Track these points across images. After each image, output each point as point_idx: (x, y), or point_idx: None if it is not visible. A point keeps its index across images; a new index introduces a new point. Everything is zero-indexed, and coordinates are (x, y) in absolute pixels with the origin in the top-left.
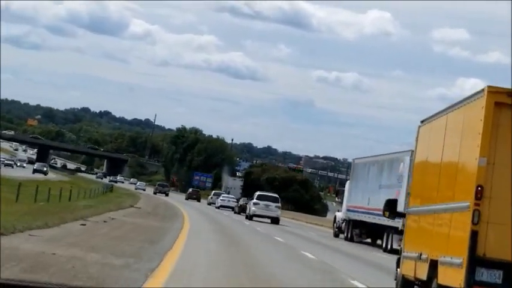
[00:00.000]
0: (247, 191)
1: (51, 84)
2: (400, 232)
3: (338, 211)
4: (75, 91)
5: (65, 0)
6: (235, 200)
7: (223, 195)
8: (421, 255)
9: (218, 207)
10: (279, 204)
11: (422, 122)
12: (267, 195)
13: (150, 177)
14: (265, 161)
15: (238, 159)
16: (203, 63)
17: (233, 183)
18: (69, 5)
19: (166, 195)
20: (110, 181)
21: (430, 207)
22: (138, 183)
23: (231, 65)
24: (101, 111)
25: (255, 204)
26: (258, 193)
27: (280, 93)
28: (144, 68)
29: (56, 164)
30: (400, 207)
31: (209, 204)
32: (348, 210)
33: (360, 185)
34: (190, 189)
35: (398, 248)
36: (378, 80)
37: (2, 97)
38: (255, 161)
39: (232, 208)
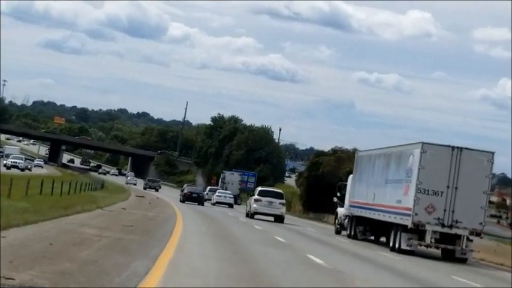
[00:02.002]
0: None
1: (90, 88)
2: (409, 230)
3: (340, 207)
4: (114, 94)
5: (105, 0)
6: (232, 196)
7: (219, 190)
8: None
9: (214, 204)
10: (283, 201)
11: None
12: (270, 191)
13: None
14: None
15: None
16: (242, 66)
17: (231, 177)
18: (109, 9)
19: (157, 190)
20: (100, 173)
21: None
22: (129, 177)
23: (270, 68)
24: (138, 112)
25: (256, 201)
26: (259, 188)
27: (321, 95)
28: (183, 71)
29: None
30: (410, 203)
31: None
32: (351, 206)
33: (365, 179)
34: (185, 186)
35: (408, 248)
36: (419, 81)
37: (38, 99)
38: (302, 160)
39: (230, 204)
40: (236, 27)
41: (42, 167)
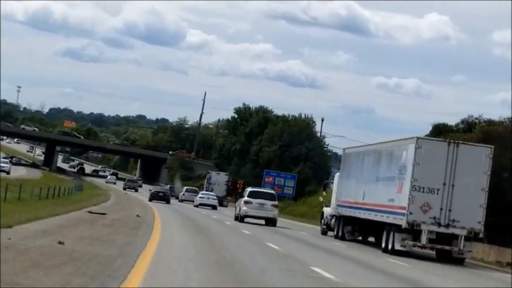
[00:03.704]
0: None
1: (109, 95)
2: (404, 230)
3: (326, 206)
4: (133, 102)
5: (124, 0)
6: (215, 198)
7: (202, 192)
8: None
9: (197, 206)
10: (276, 203)
11: None
12: (262, 192)
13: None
14: None
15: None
16: (260, 72)
17: (217, 178)
18: (126, 17)
19: (136, 190)
20: (79, 170)
21: None
22: (108, 177)
23: (289, 74)
24: (157, 118)
25: (246, 203)
26: (249, 189)
27: (340, 100)
28: (201, 79)
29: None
30: (404, 201)
31: (181, 201)
32: (339, 205)
33: (353, 177)
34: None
35: (402, 249)
36: (438, 85)
37: (55, 106)
38: None
39: (213, 206)
40: (253, 33)
41: (7, 172)
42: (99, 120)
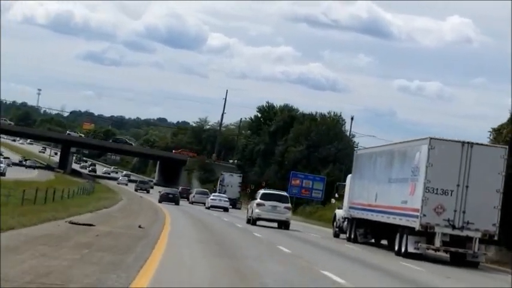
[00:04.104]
0: None
1: (130, 99)
2: (417, 233)
3: (338, 208)
4: (155, 105)
5: None
6: (227, 200)
7: (214, 194)
8: None
9: (208, 208)
10: (289, 205)
11: None
12: (274, 194)
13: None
14: None
15: None
16: (281, 75)
17: (230, 179)
18: (147, 20)
19: (148, 192)
20: (90, 171)
21: None
22: (120, 178)
23: (310, 77)
24: (178, 121)
25: (258, 205)
26: (262, 191)
27: (362, 103)
28: (222, 82)
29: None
30: (417, 203)
31: (191, 203)
32: (351, 207)
33: (365, 179)
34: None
35: (415, 251)
36: (460, 88)
37: (76, 109)
38: None
39: (225, 208)
40: (274, 36)
41: (2, 173)
42: (119, 122)
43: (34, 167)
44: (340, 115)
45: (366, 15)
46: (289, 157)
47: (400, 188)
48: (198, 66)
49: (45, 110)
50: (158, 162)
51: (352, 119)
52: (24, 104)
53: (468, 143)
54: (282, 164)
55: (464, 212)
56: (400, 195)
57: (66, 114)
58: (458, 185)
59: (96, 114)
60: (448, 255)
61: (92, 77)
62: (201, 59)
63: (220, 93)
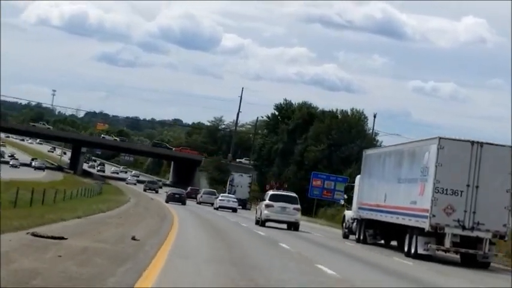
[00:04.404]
0: None
1: (145, 100)
2: (426, 233)
3: (347, 209)
4: (170, 106)
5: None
6: (235, 200)
7: (222, 194)
8: None
9: (217, 208)
10: (298, 206)
11: None
12: (283, 195)
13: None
14: None
15: None
16: (295, 76)
17: (239, 180)
18: (161, 21)
19: (156, 192)
20: (98, 171)
21: None
22: (129, 178)
23: (325, 77)
24: (193, 122)
25: (267, 206)
26: (271, 192)
27: (376, 104)
28: (237, 83)
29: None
30: (426, 204)
31: (199, 203)
32: (360, 208)
33: (374, 179)
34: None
35: (425, 252)
36: (475, 89)
37: (91, 110)
38: None
39: (233, 209)
40: (289, 37)
41: None
42: (134, 123)
43: (43, 168)
44: (363, 112)
45: (380, 16)
46: (309, 157)
47: (409, 189)
48: (212, 67)
49: (59, 111)
50: (172, 163)
51: (375, 116)
52: (38, 105)
53: (478, 142)
54: (301, 164)
55: (474, 213)
56: (410, 195)
57: (80, 115)
58: (468, 185)
59: (111, 115)
60: (458, 256)
61: (107, 78)
62: (216, 60)
63: (235, 94)
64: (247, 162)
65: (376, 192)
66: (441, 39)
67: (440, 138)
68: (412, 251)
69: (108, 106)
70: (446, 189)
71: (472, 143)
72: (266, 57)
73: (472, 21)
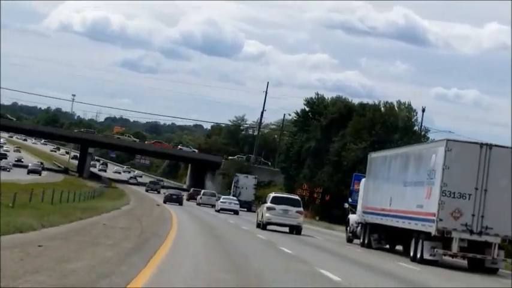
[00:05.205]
0: None
1: (166, 106)
2: (433, 238)
3: (352, 213)
4: (192, 113)
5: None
6: (237, 202)
7: (223, 196)
8: None
9: (218, 211)
10: (301, 209)
11: None
12: (286, 198)
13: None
14: None
15: None
16: (317, 83)
17: (245, 181)
18: (183, 28)
19: (158, 192)
20: (100, 170)
21: None
22: (129, 179)
23: (347, 84)
24: (212, 125)
25: (269, 209)
26: (272, 195)
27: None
28: (259, 89)
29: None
30: (433, 208)
31: (198, 204)
32: (365, 212)
33: (379, 183)
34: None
35: (431, 258)
36: (499, 96)
37: (111, 115)
38: None
39: (235, 211)
40: (311, 43)
41: None
42: (154, 128)
43: (39, 172)
44: (410, 104)
45: (403, 22)
46: (348, 156)
47: (416, 192)
48: (234, 73)
49: (78, 116)
50: (189, 166)
51: (423, 110)
52: (58, 110)
53: (487, 144)
54: (338, 165)
55: (482, 217)
56: (416, 199)
57: (100, 120)
58: (476, 189)
59: (131, 120)
60: (465, 262)
61: (128, 84)
62: (237, 66)
63: (257, 100)
64: (269, 165)
65: (381, 195)
66: (464, 45)
67: (447, 140)
68: (418, 256)
69: (129, 112)
70: (454, 193)
71: (481, 145)
72: (288, 64)
73: (495, 28)
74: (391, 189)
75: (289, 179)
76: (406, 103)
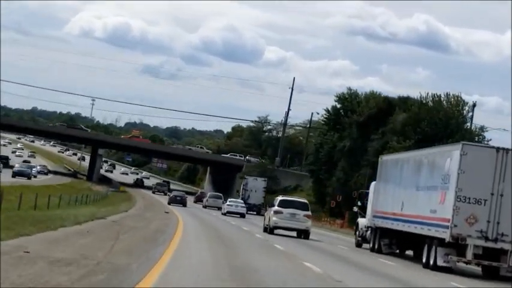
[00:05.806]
0: None
1: (187, 113)
2: (447, 244)
3: (361, 217)
4: (212, 118)
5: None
6: (244, 206)
7: (230, 199)
8: None
9: (225, 214)
10: (309, 213)
11: None
12: (293, 201)
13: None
14: None
15: None
16: (339, 89)
17: (254, 184)
18: (203, 34)
19: (165, 194)
20: (107, 171)
21: None
22: (137, 178)
23: (368, 90)
24: (234, 127)
25: (276, 213)
26: (280, 198)
27: None
28: (279, 95)
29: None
30: (447, 213)
31: (204, 207)
32: (375, 216)
33: (391, 186)
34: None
35: (445, 265)
36: None
37: (131, 121)
38: None
39: (242, 215)
40: (331, 50)
41: None
42: (174, 133)
43: (27, 174)
44: (461, 97)
45: (424, 28)
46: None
47: (429, 197)
48: (255, 79)
49: (98, 121)
50: (208, 169)
51: (474, 106)
52: (77, 114)
53: (504, 149)
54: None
55: (498, 223)
56: (429, 203)
57: (120, 125)
58: (492, 194)
59: (151, 125)
60: (479, 269)
61: (149, 90)
62: (258, 73)
63: (277, 106)
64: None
65: (392, 199)
66: (485, 52)
67: (463, 144)
68: (431, 262)
69: (149, 118)
70: (469, 198)
71: (498, 149)
72: (309, 70)
73: None
74: (403, 193)
75: (318, 183)
76: (456, 96)
